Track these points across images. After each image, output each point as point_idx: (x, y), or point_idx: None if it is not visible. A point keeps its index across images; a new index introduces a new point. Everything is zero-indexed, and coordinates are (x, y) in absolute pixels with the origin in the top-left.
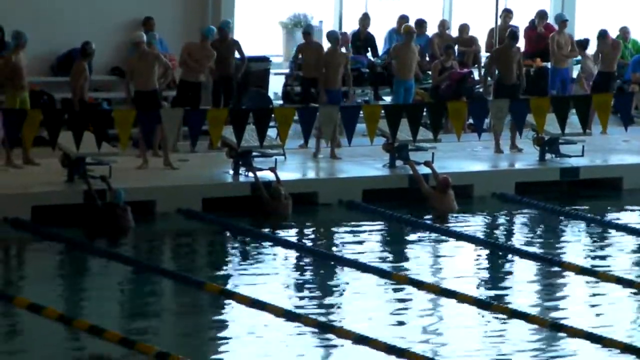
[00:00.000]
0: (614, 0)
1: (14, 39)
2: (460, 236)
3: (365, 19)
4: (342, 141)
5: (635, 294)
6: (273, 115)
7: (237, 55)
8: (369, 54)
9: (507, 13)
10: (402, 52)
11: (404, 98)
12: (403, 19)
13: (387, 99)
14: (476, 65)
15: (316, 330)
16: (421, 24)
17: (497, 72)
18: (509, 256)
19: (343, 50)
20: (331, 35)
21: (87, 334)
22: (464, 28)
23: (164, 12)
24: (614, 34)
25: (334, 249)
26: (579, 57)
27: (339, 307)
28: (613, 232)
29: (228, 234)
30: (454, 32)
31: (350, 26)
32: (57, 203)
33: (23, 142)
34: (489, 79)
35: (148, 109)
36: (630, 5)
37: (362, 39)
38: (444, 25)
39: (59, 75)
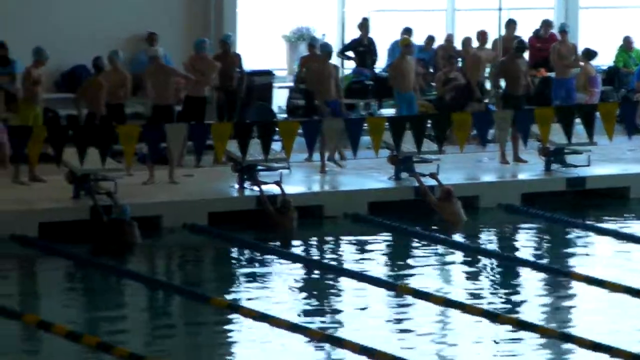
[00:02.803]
0: (617, 10)
1: (35, 54)
2: (466, 248)
3: (365, 24)
4: (346, 153)
5: None
6: (277, 129)
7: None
8: (373, 65)
9: (511, 24)
10: (400, 65)
11: (407, 110)
12: (407, 31)
13: (391, 111)
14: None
15: (323, 342)
16: (430, 40)
17: (503, 82)
18: (516, 267)
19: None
20: (324, 47)
21: (96, 350)
22: (467, 41)
23: (166, 28)
24: (617, 43)
25: (340, 261)
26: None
27: (345, 320)
28: (620, 241)
29: (234, 248)
30: (458, 46)
31: (352, 37)
32: (64, 219)
33: (28, 158)
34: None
35: (165, 123)
36: (633, 14)
37: (365, 45)
38: (449, 39)
39: (63, 91)
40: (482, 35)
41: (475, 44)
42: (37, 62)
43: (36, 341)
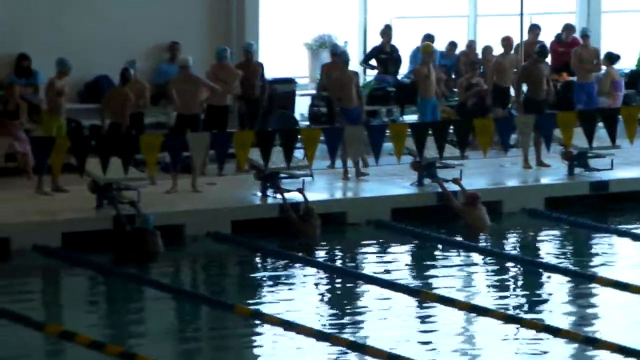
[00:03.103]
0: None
1: (58, 65)
2: (490, 253)
3: (387, 31)
4: (369, 160)
5: None
6: (300, 137)
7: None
8: (396, 73)
9: (535, 29)
10: (422, 71)
11: (430, 116)
12: (428, 38)
13: (414, 117)
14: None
15: (348, 350)
16: (452, 46)
17: (526, 87)
18: (540, 272)
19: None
20: (342, 55)
21: (119, 359)
22: (487, 50)
23: (188, 37)
24: (639, 47)
25: (364, 268)
26: (603, 70)
27: (369, 326)
28: None
29: (257, 256)
30: (479, 52)
31: (374, 44)
32: (87, 229)
33: (51, 169)
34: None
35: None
36: None
37: (387, 52)
38: (471, 45)
39: (87, 102)
40: (506, 41)
41: (499, 50)
42: (60, 72)
43: (59, 351)
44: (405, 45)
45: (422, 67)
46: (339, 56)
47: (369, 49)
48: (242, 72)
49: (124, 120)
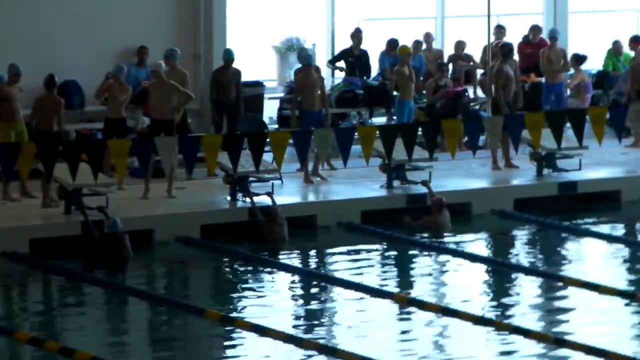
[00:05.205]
0: (606, 15)
1: (8, 71)
2: (460, 254)
3: (357, 34)
4: (337, 164)
5: (637, 306)
6: (268, 140)
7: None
8: (365, 76)
9: (500, 29)
10: (404, 72)
11: (407, 118)
12: (391, 42)
13: (383, 120)
14: (471, 83)
15: (318, 353)
16: (417, 44)
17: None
18: (510, 273)
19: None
20: (304, 58)
21: None
22: (459, 45)
23: (156, 41)
24: (606, 46)
25: (334, 271)
26: (572, 71)
27: (340, 329)
28: (613, 245)
29: (227, 260)
30: (450, 49)
31: (343, 47)
32: (55, 235)
33: (19, 175)
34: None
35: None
36: (622, 18)
37: (355, 55)
38: (428, 38)
39: None
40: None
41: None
42: (10, 78)
43: (28, 358)
44: (373, 47)
45: (403, 67)
46: (301, 59)
47: (337, 52)
48: (187, 73)
49: (54, 126)
